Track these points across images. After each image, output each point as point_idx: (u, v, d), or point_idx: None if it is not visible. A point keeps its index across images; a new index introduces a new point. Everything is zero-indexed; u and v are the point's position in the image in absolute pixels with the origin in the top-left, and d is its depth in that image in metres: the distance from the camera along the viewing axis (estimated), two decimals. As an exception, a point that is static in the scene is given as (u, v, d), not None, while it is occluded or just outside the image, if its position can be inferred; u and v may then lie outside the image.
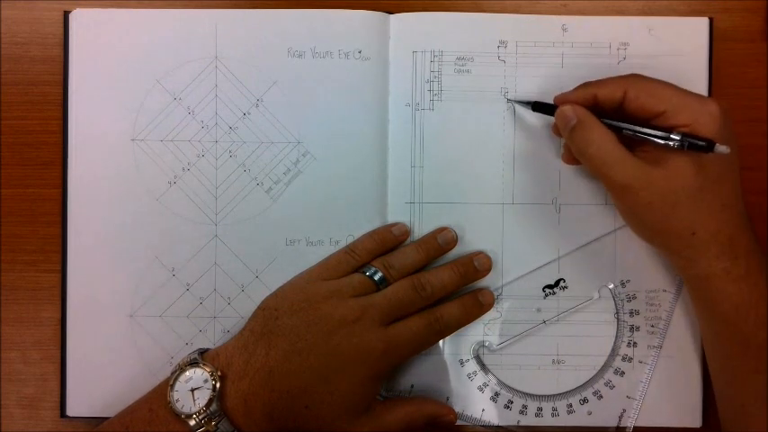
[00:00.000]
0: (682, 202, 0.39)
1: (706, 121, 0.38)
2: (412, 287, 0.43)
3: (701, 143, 0.38)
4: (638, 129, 0.40)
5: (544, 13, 0.47)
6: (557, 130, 0.45)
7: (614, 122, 0.41)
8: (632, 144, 0.41)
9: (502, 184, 0.47)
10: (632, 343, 0.47)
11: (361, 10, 0.47)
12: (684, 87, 0.40)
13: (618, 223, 0.47)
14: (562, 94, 0.43)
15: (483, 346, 0.47)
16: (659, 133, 0.39)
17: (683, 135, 0.38)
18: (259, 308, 0.44)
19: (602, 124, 0.40)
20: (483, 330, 0.47)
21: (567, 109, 0.41)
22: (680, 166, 0.39)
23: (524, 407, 0.47)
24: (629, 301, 0.47)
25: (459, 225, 0.47)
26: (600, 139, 0.40)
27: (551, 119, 0.46)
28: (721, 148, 0.37)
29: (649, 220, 0.40)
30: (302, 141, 0.47)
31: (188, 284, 0.47)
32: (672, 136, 0.38)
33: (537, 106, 0.45)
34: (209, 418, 0.39)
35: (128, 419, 0.41)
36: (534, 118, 0.47)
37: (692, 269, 0.41)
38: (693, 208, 0.39)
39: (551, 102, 0.44)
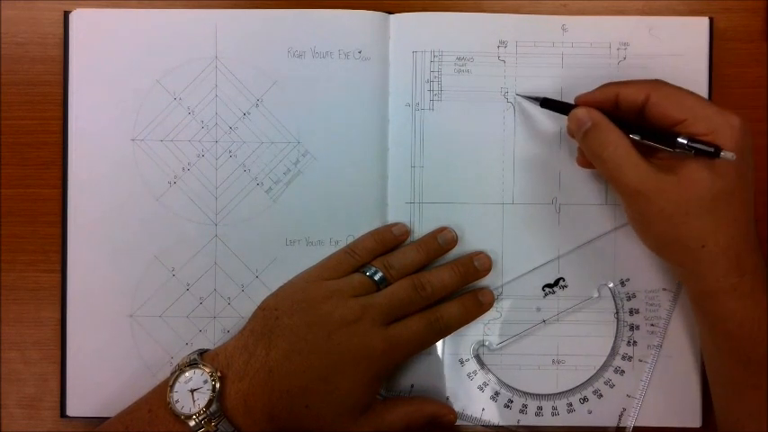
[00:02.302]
0: (694, 212, 0.39)
1: (726, 132, 0.38)
2: (412, 287, 0.43)
3: (707, 148, 0.37)
4: (645, 132, 0.40)
5: (544, 13, 0.47)
6: (583, 162, 0.45)
7: (623, 128, 0.40)
8: (647, 152, 0.40)
9: (502, 184, 0.47)
10: (632, 342, 0.47)
11: (361, 10, 0.47)
12: (684, 87, 0.40)
13: (617, 223, 0.47)
14: (583, 94, 0.43)
15: (483, 345, 0.47)
16: (666, 135, 0.39)
17: (690, 139, 0.38)
18: (259, 308, 0.44)
19: (617, 128, 0.40)
20: (483, 330, 0.47)
21: (580, 111, 0.41)
22: (694, 174, 0.39)
23: (524, 406, 0.47)
24: (628, 300, 0.47)
25: (459, 225, 0.47)
26: (615, 142, 0.40)
27: (556, 119, 0.46)
28: (727, 155, 0.37)
29: (660, 228, 0.40)
30: (302, 141, 0.47)
31: (188, 284, 0.47)
32: (678, 140, 0.38)
33: (546, 103, 0.44)
34: (209, 418, 0.39)
35: (128, 420, 0.41)
36: (534, 118, 0.47)
37: (698, 284, 0.41)
38: (705, 219, 0.39)
39: (564, 100, 0.44)
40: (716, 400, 0.44)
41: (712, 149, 0.37)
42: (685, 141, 0.38)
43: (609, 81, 0.42)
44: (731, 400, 0.43)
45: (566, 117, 0.42)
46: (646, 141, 0.40)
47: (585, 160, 0.44)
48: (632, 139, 0.40)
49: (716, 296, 0.40)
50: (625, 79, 0.42)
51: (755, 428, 0.41)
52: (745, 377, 0.41)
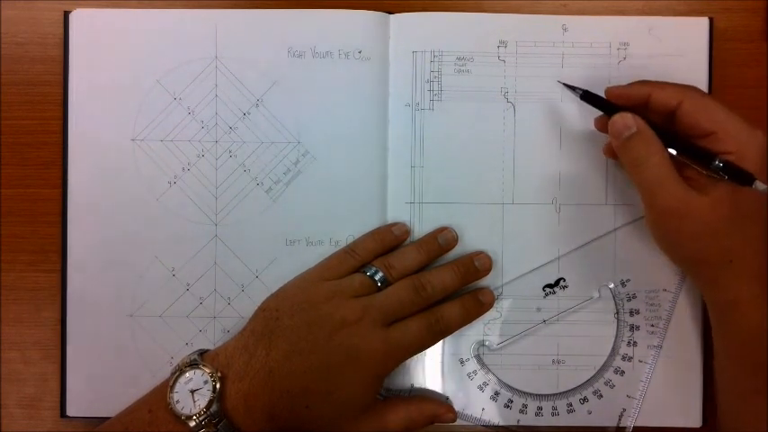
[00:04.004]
0: (723, 231, 0.39)
1: (752, 152, 0.39)
2: (413, 287, 0.43)
3: (742, 175, 0.38)
4: (686, 145, 0.40)
5: (544, 13, 0.47)
6: (601, 125, 0.45)
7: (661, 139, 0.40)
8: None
9: (502, 184, 0.47)
10: (632, 342, 0.47)
11: (361, 10, 0.47)
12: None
13: (618, 223, 0.47)
14: (615, 86, 0.42)
15: (483, 345, 0.47)
16: (704, 156, 0.39)
17: (726, 163, 0.38)
18: (259, 308, 0.44)
19: (660, 140, 0.40)
20: (483, 330, 0.47)
21: (628, 117, 0.40)
22: (724, 194, 0.39)
23: (524, 406, 0.47)
24: (629, 300, 0.47)
25: (459, 225, 0.47)
26: (657, 156, 0.39)
27: (556, 119, 0.46)
28: (761, 187, 0.37)
29: (689, 248, 0.40)
30: (302, 141, 0.47)
31: (188, 284, 0.47)
32: (716, 162, 0.38)
33: (586, 96, 0.43)
34: (210, 419, 0.39)
35: (127, 420, 0.41)
36: (534, 118, 0.47)
37: (719, 294, 0.41)
38: (733, 237, 0.39)
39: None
40: (723, 407, 0.44)
41: (746, 177, 0.38)
42: (721, 165, 0.38)
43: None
44: (740, 407, 0.43)
45: (589, 112, 0.42)
46: (680, 157, 0.40)
47: (612, 151, 0.44)
48: (689, 168, 0.40)
49: (737, 306, 0.40)
50: (656, 80, 0.42)
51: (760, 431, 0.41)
52: (758, 384, 0.41)
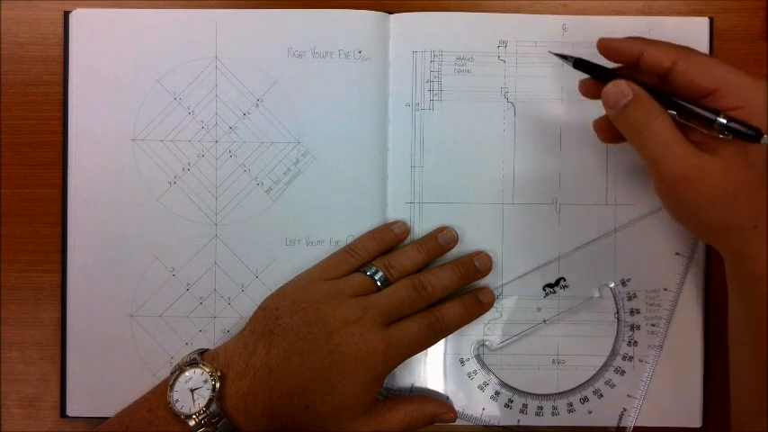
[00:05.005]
0: (741, 193, 0.37)
1: (758, 105, 0.36)
2: (413, 287, 0.43)
3: (747, 131, 0.35)
4: (685, 105, 0.37)
5: (544, 13, 0.47)
6: (585, 89, 0.43)
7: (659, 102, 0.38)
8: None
9: (502, 184, 0.47)
10: (633, 342, 0.47)
11: (361, 10, 0.47)
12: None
13: (618, 223, 0.47)
14: (608, 38, 0.40)
15: (483, 345, 0.47)
16: (705, 114, 0.36)
17: (729, 120, 0.36)
18: (259, 308, 0.44)
19: (659, 104, 0.37)
20: (483, 330, 0.47)
21: (615, 85, 0.38)
22: (736, 155, 0.36)
23: (525, 406, 0.47)
24: (629, 300, 0.47)
25: (459, 225, 0.47)
26: (659, 120, 0.37)
27: (557, 120, 0.46)
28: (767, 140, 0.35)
29: (708, 215, 0.38)
30: (302, 141, 0.47)
31: (188, 284, 0.47)
32: (719, 119, 0.36)
33: (579, 64, 0.41)
34: (209, 418, 0.39)
35: (127, 420, 0.41)
36: (534, 118, 0.47)
37: (746, 266, 0.39)
38: (753, 200, 0.37)
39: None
40: (735, 379, 0.43)
41: (753, 133, 0.35)
42: (724, 122, 0.36)
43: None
44: (755, 381, 0.41)
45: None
46: (681, 119, 0.37)
47: (610, 135, 0.42)
48: (695, 129, 0.37)
49: (762, 277, 0.38)
50: (650, 38, 0.40)
51: None
52: None
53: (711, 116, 0.36)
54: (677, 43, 0.39)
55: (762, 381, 0.40)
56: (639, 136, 0.38)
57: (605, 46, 0.40)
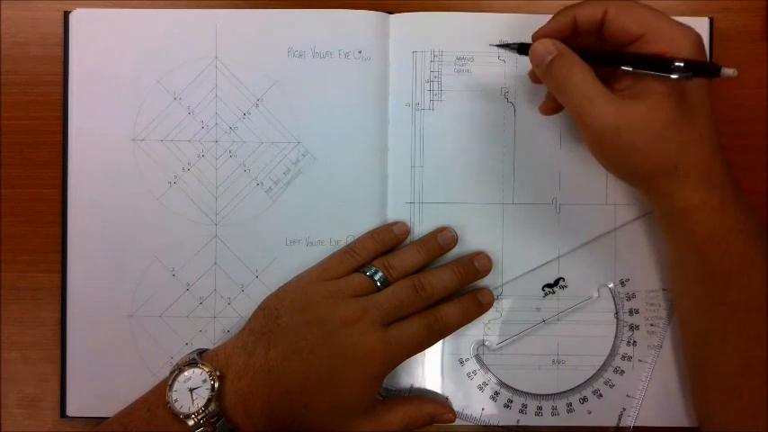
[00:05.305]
0: (663, 136, 0.38)
1: (684, 45, 0.38)
2: (412, 287, 0.43)
3: (707, 68, 0.37)
4: (638, 57, 0.38)
5: (544, 13, 0.47)
6: (534, 76, 0.44)
7: (610, 61, 0.39)
8: (605, 81, 0.39)
9: (502, 184, 0.47)
10: (632, 342, 0.47)
11: (361, 10, 0.47)
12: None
13: (617, 223, 0.47)
14: (539, 29, 0.41)
15: (483, 345, 0.47)
16: (660, 64, 0.38)
17: (687, 62, 0.37)
18: (259, 308, 0.44)
19: (580, 58, 0.39)
20: (483, 329, 0.47)
21: (541, 44, 0.40)
22: (659, 99, 0.38)
23: (524, 406, 0.47)
24: (628, 300, 0.47)
25: (459, 225, 0.47)
26: (580, 73, 0.39)
27: (557, 119, 0.46)
28: (728, 71, 0.36)
29: (633, 160, 0.39)
30: (302, 141, 0.47)
31: (188, 284, 0.47)
32: (676, 64, 0.37)
33: (523, 49, 0.42)
34: (208, 417, 0.39)
35: (126, 420, 0.41)
36: (534, 118, 0.47)
37: (668, 203, 0.40)
38: (674, 141, 0.38)
39: (530, 41, 0.42)
40: (680, 322, 0.45)
41: (713, 68, 0.37)
42: (682, 65, 0.37)
43: None
44: (696, 319, 0.43)
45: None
46: (640, 71, 0.38)
47: (549, 106, 0.44)
48: (623, 71, 0.39)
49: (685, 212, 0.40)
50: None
51: (720, 343, 0.41)
52: (711, 293, 0.41)
53: (667, 63, 0.37)
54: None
55: (700, 313, 0.42)
56: (564, 90, 0.39)
57: (541, 34, 0.41)
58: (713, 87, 0.47)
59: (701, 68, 0.37)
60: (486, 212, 0.47)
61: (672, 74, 0.37)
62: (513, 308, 0.47)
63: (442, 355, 0.47)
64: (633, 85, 0.39)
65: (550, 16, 0.47)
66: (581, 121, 0.39)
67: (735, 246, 0.39)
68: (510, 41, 0.43)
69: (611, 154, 0.40)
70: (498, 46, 0.44)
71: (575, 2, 0.40)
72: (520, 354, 0.47)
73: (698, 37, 0.38)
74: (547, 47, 0.39)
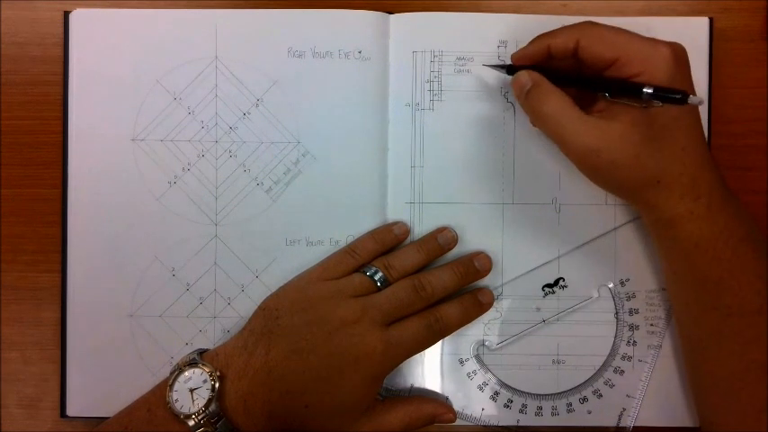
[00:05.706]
0: (642, 153, 0.39)
1: (658, 65, 0.38)
2: (412, 287, 0.43)
3: (675, 96, 0.38)
4: (611, 81, 0.40)
5: (544, 13, 0.47)
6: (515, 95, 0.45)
7: (588, 86, 0.41)
8: (584, 105, 0.41)
9: (502, 184, 0.47)
10: (632, 342, 0.47)
11: (361, 10, 0.47)
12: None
13: (617, 223, 0.47)
14: (518, 50, 0.43)
15: (483, 345, 0.47)
16: (630, 89, 0.39)
17: (655, 89, 0.38)
18: (259, 308, 0.44)
19: (557, 87, 0.41)
20: (483, 329, 0.47)
21: (522, 74, 0.42)
22: (637, 116, 0.39)
23: (524, 406, 0.47)
24: (628, 300, 0.47)
25: (459, 225, 0.47)
26: (555, 100, 0.40)
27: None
28: (695, 100, 0.37)
29: (615, 176, 0.41)
30: (302, 141, 0.47)
31: (188, 284, 0.47)
32: (645, 91, 0.38)
33: (512, 70, 0.44)
34: (208, 418, 0.39)
35: (126, 420, 0.41)
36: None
37: (656, 214, 0.41)
38: (653, 157, 0.39)
39: (510, 62, 0.44)
40: (679, 329, 0.45)
41: (679, 96, 0.37)
42: (651, 92, 0.38)
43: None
44: (691, 325, 0.43)
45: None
46: (614, 98, 0.40)
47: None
48: (600, 96, 0.40)
49: (672, 222, 0.41)
50: (551, 30, 0.42)
51: (716, 348, 0.41)
52: (703, 298, 0.41)
53: (638, 89, 0.38)
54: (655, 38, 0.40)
55: (694, 317, 0.42)
56: (542, 119, 0.41)
57: (517, 57, 0.43)
58: (713, 88, 0.47)
59: (669, 96, 0.38)
60: (486, 212, 0.47)
61: (641, 101, 0.38)
62: (512, 308, 0.47)
63: (442, 355, 0.47)
64: (611, 106, 0.40)
65: (550, 16, 0.47)
66: (562, 146, 0.41)
67: (723, 252, 0.40)
68: (508, 42, 0.43)
69: (595, 172, 0.42)
70: (491, 66, 0.45)
71: (551, 30, 0.42)
72: (520, 354, 0.47)
73: (672, 53, 0.39)
74: (522, 79, 0.42)
